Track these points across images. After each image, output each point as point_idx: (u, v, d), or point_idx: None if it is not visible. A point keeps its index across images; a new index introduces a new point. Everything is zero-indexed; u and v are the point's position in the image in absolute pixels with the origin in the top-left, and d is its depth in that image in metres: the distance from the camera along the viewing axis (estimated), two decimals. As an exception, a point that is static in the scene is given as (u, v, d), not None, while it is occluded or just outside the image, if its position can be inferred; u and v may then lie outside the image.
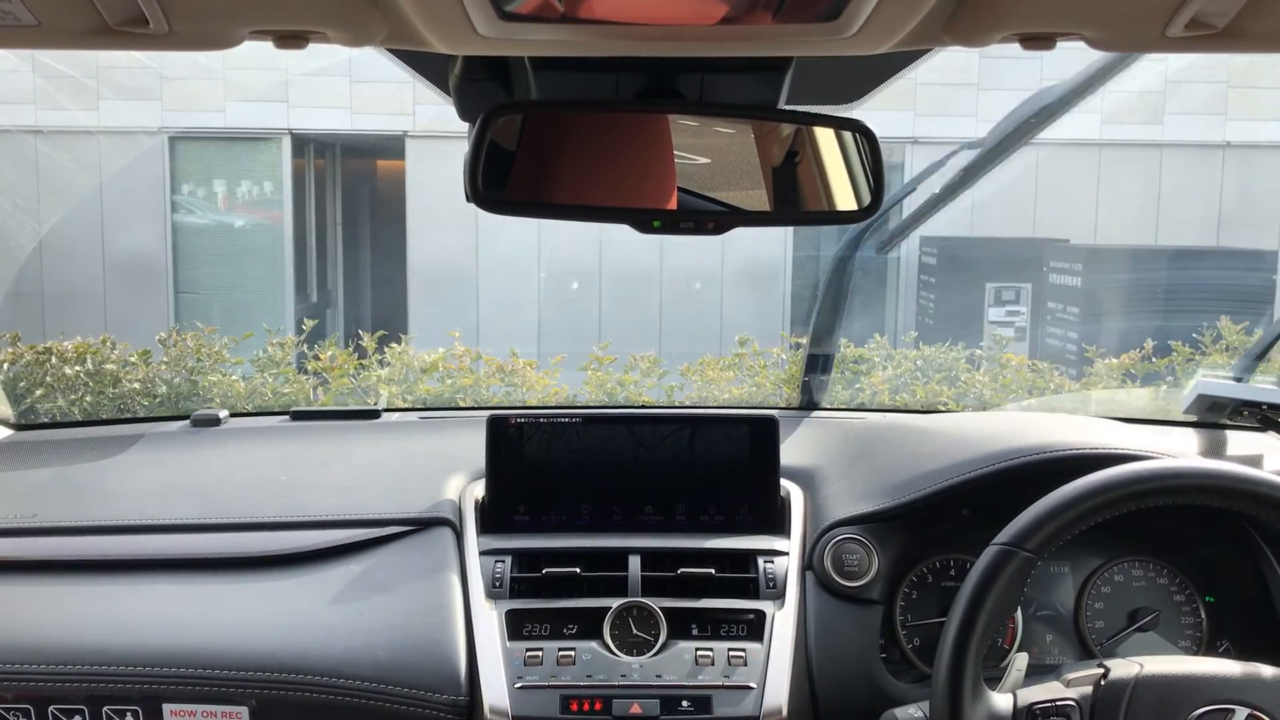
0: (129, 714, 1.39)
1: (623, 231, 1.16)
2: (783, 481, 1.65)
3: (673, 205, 1.14)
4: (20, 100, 8.23)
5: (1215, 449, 1.84)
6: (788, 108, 1.19)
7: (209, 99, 8.73)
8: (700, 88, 1.15)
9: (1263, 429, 1.95)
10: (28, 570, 1.55)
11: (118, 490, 1.71)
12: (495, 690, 1.39)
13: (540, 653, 1.43)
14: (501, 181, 1.12)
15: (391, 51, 1.11)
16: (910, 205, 2.32)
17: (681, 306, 8.81)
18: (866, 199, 1.20)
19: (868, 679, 1.47)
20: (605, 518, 1.62)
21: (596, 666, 1.42)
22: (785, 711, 1.40)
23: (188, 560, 1.56)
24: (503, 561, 1.53)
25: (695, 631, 1.46)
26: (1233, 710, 1.17)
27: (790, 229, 8.10)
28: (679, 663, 1.43)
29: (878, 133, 1.17)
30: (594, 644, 1.44)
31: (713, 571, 1.51)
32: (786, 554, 1.55)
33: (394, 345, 4.46)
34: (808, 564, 1.54)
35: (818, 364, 2.19)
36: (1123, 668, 1.22)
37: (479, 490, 1.65)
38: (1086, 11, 0.83)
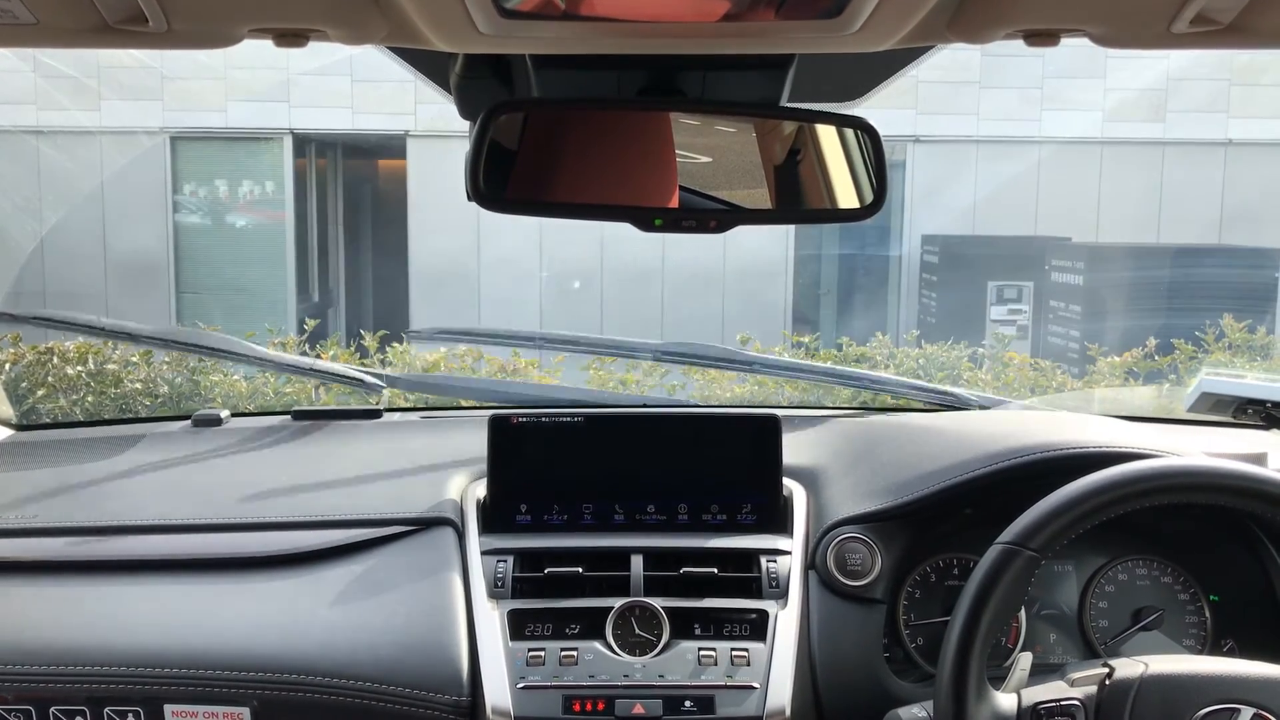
0: (130, 715, 1.38)
1: (624, 230, 1.16)
2: (785, 480, 1.64)
3: (675, 203, 1.13)
4: (21, 100, 8.24)
5: (1219, 447, 1.84)
6: (790, 105, 1.19)
7: (210, 98, 8.74)
8: (702, 85, 1.14)
9: (1267, 427, 1.95)
10: (29, 571, 1.55)
11: (119, 491, 1.71)
12: (497, 690, 1.39)
13: (542, 653, 1.42)
14: (503, 180, 1.12)
15: (392, 50, 1.11)
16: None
17: (683, 305, 8.81)
18: (869, 197, 1.19)
19: (871, 679, 1.46)
20: (607, 517, 1.61)
21: (599, 666, 1.42)
22: (788, 711, 1.39)
23: (189, 560, 1.55)
24: (505, 561, 1.52)
25: (698, 631, 1.46)
26: (1238, 710, 1.17)
27: (793, 227, 8.10)
28: (682, 663, 1.42)
29: (879, 131, 1.17)
30: (596, 644, 1.44)
31: (715, 571, 1.51)
32: (789, 553, 1.55)
33: (396, 345, 4.46)
34: (811, 563, 1.54)
35: None
36: (1127, 667, 1.22)
37: (481, 490, 1.64)
38: (1091, 7, 0.82)
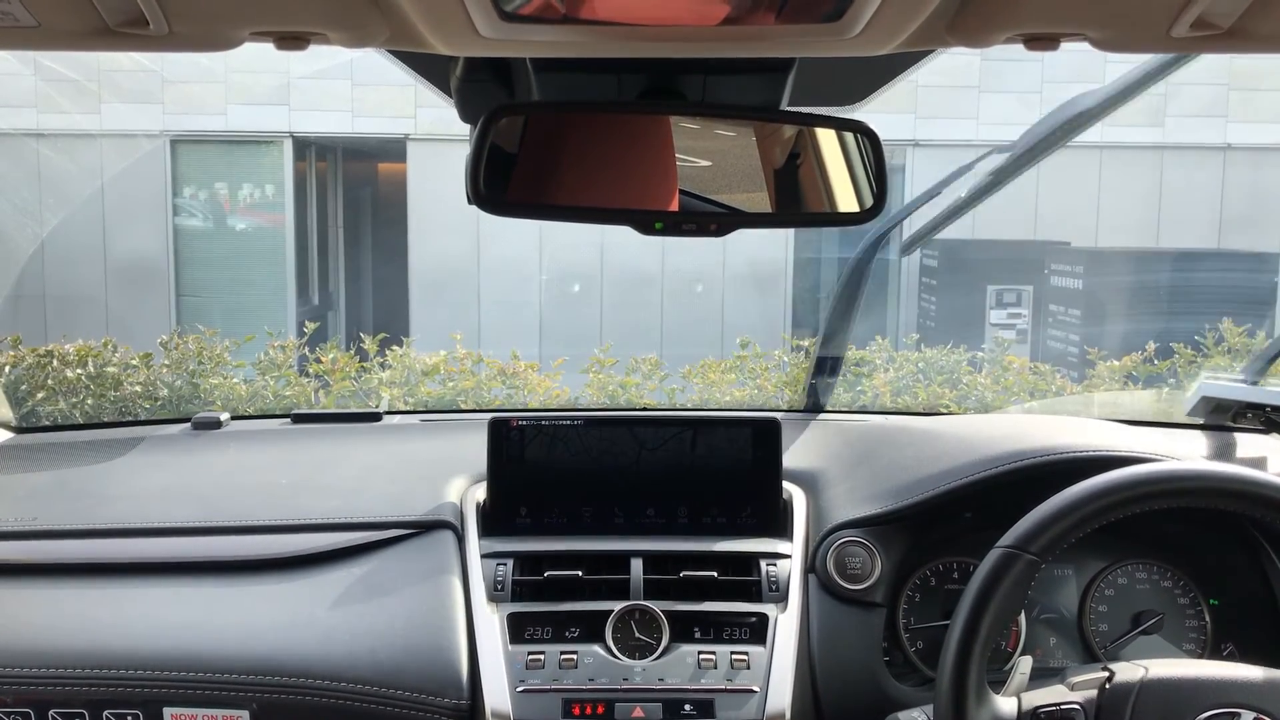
0: (129, 717, 1.38)
1: (624, 233, 1.16)
2: (785, 484, 1.64)
3: (675, 207, 1.13)
4: (22, 104, 8.24)
5: (1219, 451, 1.84)
6: (790, 109, 1.19)
7: (210, 102, 8.73)
8: (702, 89, 1.14)
9: (1266, 431, 1.94)
10: (29, 573, 1.55)
11: (119, 493, 1.71)
12: (497, 694, 1.39)
13: (542, 656, 1.42)
14: (503, 183, 1.12)
15: (392, 53, 1.11)
16: (932, 208, 2.30)
17: (683, 309, 8.81)
18: (869, 200, 1.19)
19: (871, 682, 1.46)
20: (607, 520, 1.61)
21: (598, 670, 1.42)
22: (788, 715, 1.39)
23: (189, 563, 1.55)
24: (504, 564, 1.52)
25: (698, 635, 1.46)
26: (1238, 714, 1.17)
27: (792, 231, 8.10)
28: (681, 666, 1.42)
29: (879, 134, 1.17)
30: (596, 647, 1.44)
31: (715, 574, 1.51)
32: (789, 557, 1.55)
33: (395, 348, 4.46)
34: (810, 567, 1.54)
35: (825, 366, 2.15)
36: (1127, 671, 1.22)
37: (480, 493, 1.64)
38: (1091, 11, 0.82)
